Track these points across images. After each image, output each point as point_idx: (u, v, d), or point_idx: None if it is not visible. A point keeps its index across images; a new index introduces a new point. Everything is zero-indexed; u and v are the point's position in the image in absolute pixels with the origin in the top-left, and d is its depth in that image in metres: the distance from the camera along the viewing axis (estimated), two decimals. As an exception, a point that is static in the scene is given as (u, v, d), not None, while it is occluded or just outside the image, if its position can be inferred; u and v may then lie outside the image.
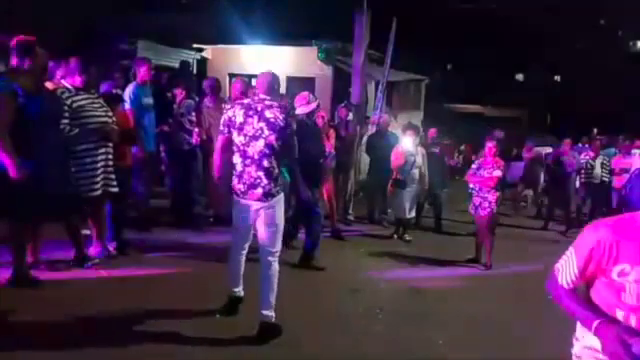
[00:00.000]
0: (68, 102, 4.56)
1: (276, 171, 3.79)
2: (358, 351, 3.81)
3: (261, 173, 3.75)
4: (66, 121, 4.51)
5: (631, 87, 23.29)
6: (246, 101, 4.01)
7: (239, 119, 3.79)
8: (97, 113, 4.77)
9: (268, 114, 3.74)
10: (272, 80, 3.94)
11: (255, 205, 3.81)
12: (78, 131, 4.59)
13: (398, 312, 4.62)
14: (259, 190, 3.76)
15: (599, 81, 25.22)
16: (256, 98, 3.91)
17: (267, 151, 3.74)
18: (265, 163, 3.74)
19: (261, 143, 3.74)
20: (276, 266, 3.84)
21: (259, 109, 3.78)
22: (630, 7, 23.67)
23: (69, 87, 4.65)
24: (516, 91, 28.90)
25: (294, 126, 3.89)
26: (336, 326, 4.19)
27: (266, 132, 3.73)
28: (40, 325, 3.73)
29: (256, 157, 3.75)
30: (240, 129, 3.79)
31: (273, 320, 3.78)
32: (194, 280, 4.87)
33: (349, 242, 6.94)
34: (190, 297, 4.41)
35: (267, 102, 3.82)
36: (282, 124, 3.74)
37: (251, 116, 3.77)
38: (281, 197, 3.88)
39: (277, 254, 3.87)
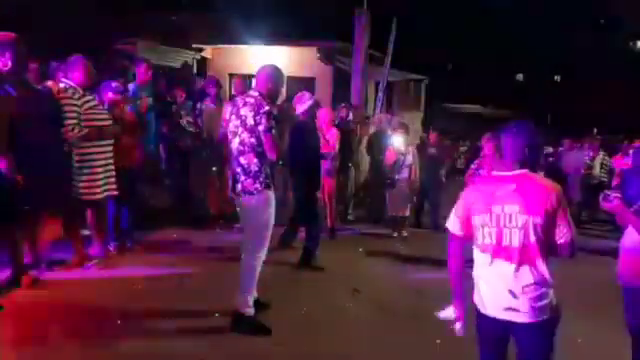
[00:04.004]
0: (79, 102, 4.55)
1: (254, 168, 3.76)
2: (358, 351, 3.82)
3: (239, 169, 3.83)
4: (74, 121, 4.49)
5: (631, 87, 23.31)
6: (237, 98, 4.06)
7: (227, 116, 3.97)
8: (102, 116, 4.79)
9: (242, 112, 3.78)
10: (267, 75, 3.87)
11: (237, 199, 3.92)
12: (87, 132, 4.59)
13: (398, 312, 4.62)
14: (239, 185, 3.84)
15: (599, 81, 25.23)
16: (245, 94, 3.96)
17: (241, 148, 3.80)
18: (241, 160, 3.81)
19: (237, 140, 3.82)
20: (250, 262, 3.85)
21: (240, 106, 3.83)
22: (630, 7, 23.68)
23: (76, 87, 4.61)
24: (516, 91, 28.93)
25: (270, 124, 3.70)
26: (336, 326, 4.20)
27: (240, 129, 3.79)
28: (40, 325, 3.73)
29: (235, 153, 3.85)
30: (227, 126, 3.94)
31: (241, 310, 3.83)
32: (194, 280, 4.87)
33: (349, 242, 6.94)
34: (190, 297, 4.42)
35: (248, 99, 3.83)
36: (251, 122, 3.71)
37: (233, 113, 3.88)
38: (262, 196, 3.79)
39: (253, 252, 3.86)
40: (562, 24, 25.89)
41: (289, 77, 12.14)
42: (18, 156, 3.96)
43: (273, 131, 3.73)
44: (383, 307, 4.70)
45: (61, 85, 4.56)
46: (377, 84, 10.97)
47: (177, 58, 12.31)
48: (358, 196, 8.94)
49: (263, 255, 3.92)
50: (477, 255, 2.53)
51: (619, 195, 2.84)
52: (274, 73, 3.90)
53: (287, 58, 12.11)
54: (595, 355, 4.01)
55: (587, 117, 22.47)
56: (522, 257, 2.36)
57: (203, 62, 13.15)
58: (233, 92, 11.51)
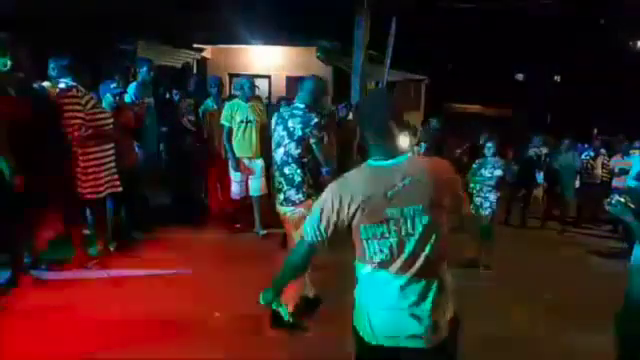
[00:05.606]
0: (83, 101, 4.55)
1: (298, 179, 3.78)
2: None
3: (282, 179, 3.85)
4: (79, 121, 4.49)
5: (631, 87, 23.31)
6: (282, 108, 4.11)
7: (273, 126, 3.94)
8: (104, 115, 4.80)
9: (290, 123, 3.79)
10: (311, 86, 3.90)
11: (281, 209, 3.93)
12: (91, 132, 4.59)
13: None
14: (281, 195, 3.87)
15: (599, 81, 25.23)
16: (292, 106, 3.96)
17: (286, 159, 3.81)
18: (285, 170, 3.82)
19: (282, 151, 3.82)
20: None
21: (286, 117, 3.84)
22: (630, 7, 23.67)
23: (79, 86, 4.60)
24: (516, 91, 28.91)
25: (321, 135, 3.78)
26: (336, 326, 4.19)
27: (286, 140, 3.80)
28: (40, 325, 3.73)
29: (279, 163, 3.86)
30: (272, 135, 3.94)
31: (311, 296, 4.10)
32: (194, 280, 4.87)
33: (349, 242, 6.93)
34: (190, 297, 4.42)
35: (295, 110, 3.84)
36: (299, 134, 3.74)
37: (279, 124, 3.87)
38: (305, 205, 3.76)
39: None
40: (562, 24, 25.87)
41: (289, 77, 12.23)
42: (18, 156, 3.96)
43: (325, 139, 3.81)
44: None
45: (62, 85, 4.55)
46: (377, 84, 10.97)
47: (177, 58, 12.30)
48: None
49: None
50: (365, 274, 2.03)
51: (623, 200, 2.72)
52: (317, 84, 3.94)
53: (287, 58, 12.13)
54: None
55: (587, 117, 22.47)
56: (429, 269, 1.90)
57: (203, 62, 13.15)
58: (233, 92, 11.54)
